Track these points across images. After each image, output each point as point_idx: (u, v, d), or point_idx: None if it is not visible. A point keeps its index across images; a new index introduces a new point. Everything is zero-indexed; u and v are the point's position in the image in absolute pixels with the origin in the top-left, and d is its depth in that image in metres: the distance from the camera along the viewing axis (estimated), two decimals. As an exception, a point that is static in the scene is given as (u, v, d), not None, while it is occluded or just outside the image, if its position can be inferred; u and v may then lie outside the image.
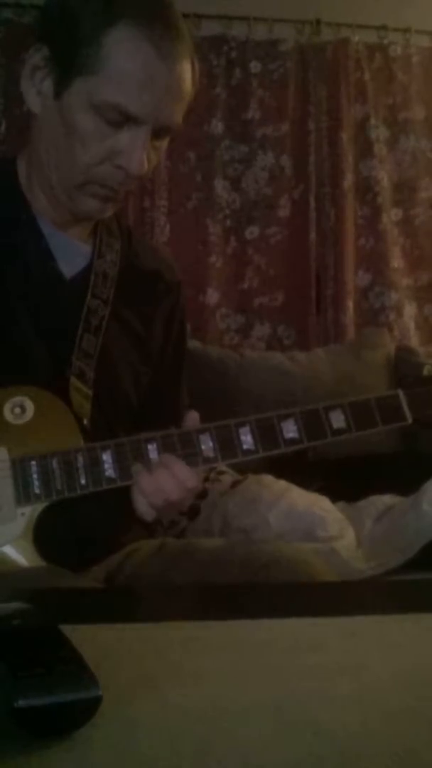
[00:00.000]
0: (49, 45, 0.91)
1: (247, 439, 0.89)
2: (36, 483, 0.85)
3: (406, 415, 0.89)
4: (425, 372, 0.93)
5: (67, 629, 0.54)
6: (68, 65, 0.89)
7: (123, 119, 0.88)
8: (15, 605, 0.58)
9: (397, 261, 2.85)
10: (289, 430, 0.89)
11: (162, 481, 0.86)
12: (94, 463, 0.86)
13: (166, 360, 1.11)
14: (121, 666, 0.58)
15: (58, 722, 0.48)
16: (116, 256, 1.05)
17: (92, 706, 0.49)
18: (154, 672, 0.58)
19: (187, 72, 0.91)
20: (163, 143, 0.95)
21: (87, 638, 0.54)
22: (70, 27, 0.88)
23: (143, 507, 0.88)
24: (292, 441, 0.89)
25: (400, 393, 0.90)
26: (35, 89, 0.93)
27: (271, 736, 0.50)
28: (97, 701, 0.49)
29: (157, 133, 0.92)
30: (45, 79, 0.92)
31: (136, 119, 0.88)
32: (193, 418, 0.91)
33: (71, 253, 1.01)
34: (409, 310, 2.89)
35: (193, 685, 0.56)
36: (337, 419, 0.89)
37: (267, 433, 0.89)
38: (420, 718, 0.52)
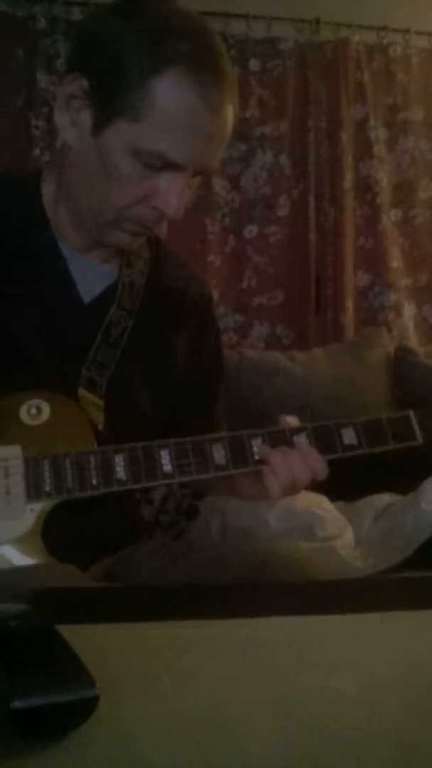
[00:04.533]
0: (88, 77, 0.87)
1: (263, 450, 0.90)
2: (47, 480, 0.86)
3: (417, 435, 0.91)
4: None
5: (64, 629, 0.54)
6: (110, 104, 0.86)
7: (164, 165, 0.87)
8: (12, 606, 0.58)
9: (396, 261, 2.85)
10: (301, 443, 0.90)
11: (293, 464, 0.89)
12: (106, 465, 0.87)
13: (195, 376, 1.10)
14: (119, 666, 0.57)
15: (55, 722, 0.47)
16: (144, 267, 1.04)
17: (89, 706, 0.48)
18: (153, 672, 0.57)
19: (230, 117, 0.89)
20: (198, 180, 0.94)
21: (85, 638, 0.53)
22: (114, 65, 0.85)
23: (274, 486, 0.90)
24: None
25: (411, 414, 0.92)
26: (70, 119, 0.90)
27: (271, 735, 0.49)
28: (94, 701, 0.48)
29: (195, 174, 0.91)
30: (82, 110, 0.89)
31: (178, 166, 0.87)
32: (286, 419, 0.93)
33: (92, 275, 1.00)
34: (409, 310, 2.89)
35: (191, 684, 0.56)
36: (349, 436, 0.91)
37: (279, 446, 0.91)
38: (421, 716, 0.52)
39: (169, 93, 0.84)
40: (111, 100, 0.86)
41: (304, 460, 0.90)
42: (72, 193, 0.95)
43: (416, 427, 0.92)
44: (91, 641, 0.55)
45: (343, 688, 0.56)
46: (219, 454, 0.89)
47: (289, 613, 0.70)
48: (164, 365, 1.06)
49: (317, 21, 2.74)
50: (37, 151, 2.48)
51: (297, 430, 0.92)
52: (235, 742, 0.49)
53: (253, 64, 2.71)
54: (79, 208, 0.95)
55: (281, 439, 0.91)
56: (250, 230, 2.77)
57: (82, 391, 0.95)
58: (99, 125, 0.87)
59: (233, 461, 0.89)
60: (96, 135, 0.88)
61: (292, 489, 0.92)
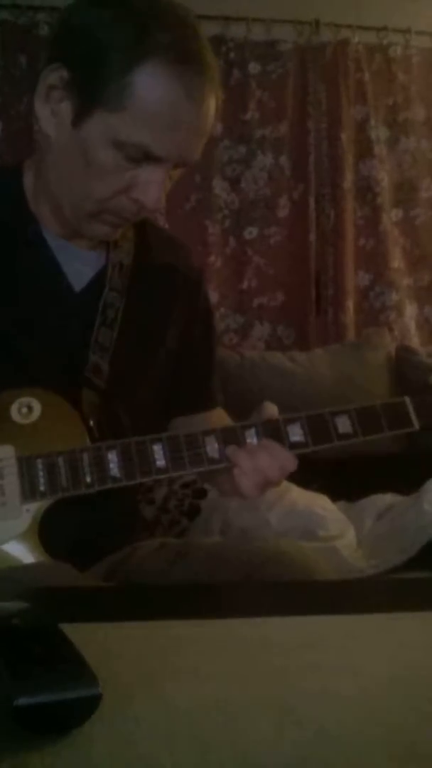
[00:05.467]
0: (69, 68, 0.86)
1: (253, 442, 0.90)
2: (42, 480, 0.86)
3: (413, 421, 0.90)
4: (431, 381, 0.94)
5: (67, 628, 0.54)
6: (91, 95, 0.85)
7: (144, 157, 0.86)
8: (15, 604, 0.58)
9: (397, 261, 2.85)
10: (295, 433, 0.90)
11: (262, 463, 0.88)
12: (100, 462, 0.86)
13: (191, 351, 1.10)
14: (121, 664, 0.57)
15: (58, 720, 0.47)
16: (131, 246, 1.04)
17: (92, 704, 0.48)
18: (154, 671, 0.57)
19: (212, 108, 0.88)
20: (180, 172, 0.93)
21: (87, 637, 0.54)
22: (95, 56, 0.84)
23: (247, 486, 0.90)
24: (298, 444, 0.90)
25: (407, 400, 0.91)
26: (50, 110, 0.89)
27: (271, 735, 0.49)
28: (96, 699, 0.49)
29: (175, 166, 0.90)
30: (62, 101, 0.87)
31: (159, 158, 0.86)
32: (269, 408, 0.92)
33: (80, 263, 1.00)
34: (410, 310, 2.89)
35: (193, 684, 0.56)
36: (343, 424, 0.90)
37: (273, 437, 0.90)
38: (421, 718, 0.52)
39: (150, 84, 0.83)
40: (92, 90, 0.84)
41: (270, 456, 0.89)
42: (52, 185, 0.94)
43: (413, 413, 0.90)
44: (93, 640, 0.55)
45: (343, 690, 0.56)
46: (212, 446, 0.89)
47: (290, 614, 0.70)
48: (158, 341, 1.06)
49: (317, 22, 2.75)
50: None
51: (290, 420, 0.91)
52: (235, 741, 0.49)
53: (253, 67, 2.72)
54: (59, 200, 0.94)
55: (275, 430, 0.90)
56: (251, 231, 2.77)
57: (89, 375, 0.95)
58: (79, 116, 0.86)
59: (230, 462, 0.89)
60: (76, 126, 0.87)
61: (265, 485, 0.91)
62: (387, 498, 2.03)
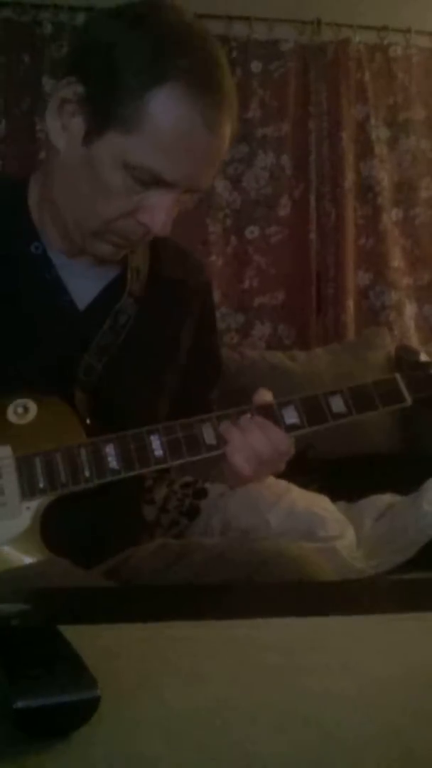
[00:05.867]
0: (83, 83, 0.84)
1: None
2: (40, 477, 0.86)
3: (405, 396, 0.91)
4: (422, 358, 0.95)
5: (66, 629, 0.54)
6: (104, 114, 0.82)
7: (154, 181, 0.84)
8: (14, 606, 0.58)
9: (397, 261, 2.85)
10: (290, 416, 0.90)
11: (253, 439, 0.87)
12: (98, 456, 0.87)
13: (196, 361, 1.10)
14: (121, 666, 0.57)
15: (57, 723, 0.47)
16: (146, 251, 1.03)
17: (91, 706, 0.48)
18: (154, 672, 0.57)
19: (227, 138, 0.86)
20: (188, 197, 0.91)
21: (86, 638, 0.54)
22: (111, 74, 0.81)
23: (239, 461, 0.88)
24: (293, 426, 0.90)
25: (398, 376, 0.92)
26: (61, 123, 0.86)
27: (271, 736, 0.49)
28: (95, 701, 0.49)
29: (185, 191, 0.88)
30: (74, 116, 0.85)
31: (169, 184, 0.84)
32: (265, 394, 0.91)
33: (86, 279, 0.98)
34: (410, 309, 2.89)
35: (192, 685, 0.56)
36: (337, 404, 0.90)
37: (268, 420, 0.90)
38: (421, 718, 0.52)
39: (165, 108, 0.80)
40: (105, 109, 0.82)
41: (261, 432, 0.87)
42: (57, 201, 0.92)
43: (404, 389, 0.91)
44: (92, 642, 0.55)
45: (343, 690, 0.56)
46: (209, 433, 0.89)
47: (290, 614, 0.70)
48: (166, 354, 1.05)
49: (318, 22, 2.75)
50: (43, 155, 2.48)
51: (285, 403, 0.91)
52: (235, 742, 0.49)
53: (255, 66, 2.71)
54: (64, 216, 0.92)
55: (270, 414, 0.90)
56: (252, 230, 2.77)
57: (79, 378, 0.95)
58: (91, 134, 0.84)
59: (223, 440, 0.88)
60: (87, 143, 0.85)
61: (259, 466, 0.89)
62: (386, 498, 2.03)
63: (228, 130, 0.85)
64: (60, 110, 0.86)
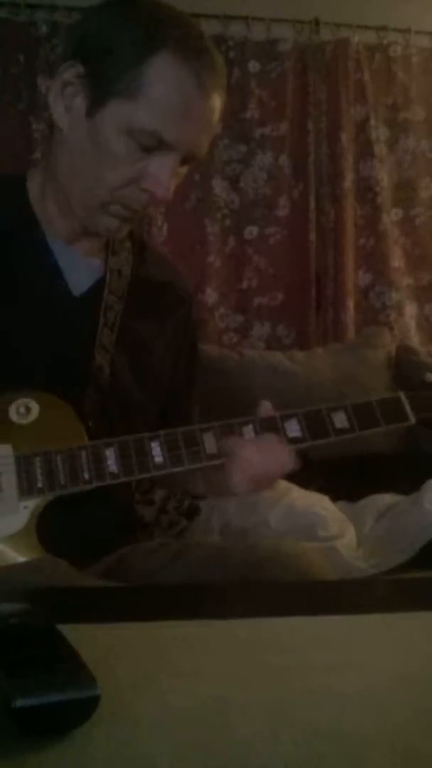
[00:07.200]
0: (84, 63, 0.90)
1: (251, 437, 0.90)
2: (40, 477, 0.86)
3: (409, 415, 0.91)
4: (427, 379, 0.95)
5: (65, 629, 0.54)
6: (105, 85, 0.88)
7: (156, 145, 0.89)
8: (13, 605, 0.58)
9: (397, 261, 2.85)
10: (293, 429, 0.90)
11: (253, 454, 0.89)
12: (98, 459, 0.87)
13: (179, 368, 1.13)
14: (120, 665, 0.57)
15: (56, 722, 0.47)
16: (129, 256, 1.06)
17: (90, 705, 0.48)
18: (154, 671, 0.57)
19: (219, 104, 0.92)
20: (185, 169, 0.96)
21: (86, 637, 0.54)
22: (109, 49, 0.88)
23: (237, 478, 0.89)
24: (296, 439, 0.90)
25: (402, 395, 0.92)
26: (64, 105, 0.92)
27: (271, 735, 0.49)
28: (95, 700, 0.48)
29: (184, 160, 0.93)
30: (76, 96, 0.91)
31: (170, 146, 0.89)
32: (266, 406, 0.93)
33: (81, 269, 1.01)
34: (410, 309, 2.89)
35: (192, 684, 0.56)
36: (340, 420, 0.91)
37: (271, 432, 0.90)
38: (421, 717, 0.52)
39: (162, 73, 0.86)
40: (106, 80, 0.88)
41: (263, 450, 0.89)
42: (63, 180, 0.96)
43: (408, 408, 0.92)
44: (91, 641, 0.55)
45: (344, 690, 0.56)
46: (210, 442, 0.89)
47: (291, 614, 0.70)
48: (152, 350, 1.07)
49: (317, 22, 2.74)
50: (38, 154, 2.48)
51: (288, 416, 0.91)
52: (235, 742, 0.49)
53: (253, 66, 2.71)
54: (69, 194, 0.96)
55: (272, 426, 0.90)
56: (251, 231, 2.77)
57: (93, 377, 0.97)
58: (94, 106, 0.90)
59: (225, 454, 0.89)
60: (90, 116, 0.90)
61: (262, 481, 0.91)
62: (387, 498, 2.02)
63: (219, 98, 0.91)
64: (62, 93, 0.92)
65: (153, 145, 0.89)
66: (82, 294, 1.01)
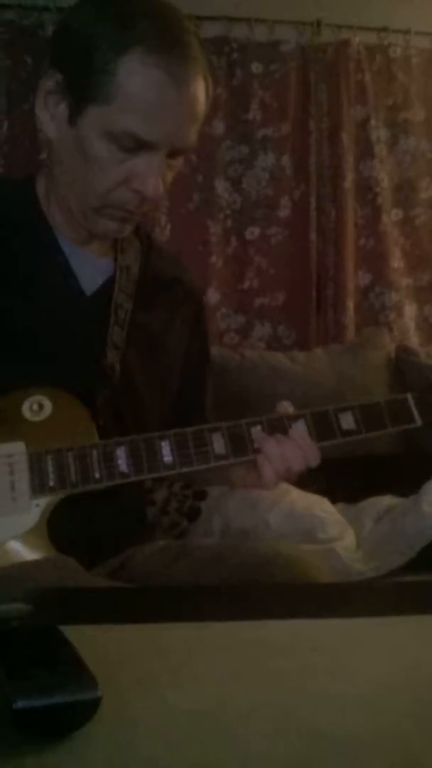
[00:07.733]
0: (62, 71, 0.90)
1: (258, 438, 0.91)
2: (51, 475, 0.86)
3: (415, 417, 0.92)
4: None
5: (66, 630, 0.54)
6: (82, 93, 0.88)
7: (138, 145, 0.88)
8: (14, 606, 0.58)
9: (397, 261, 2.85)
10: (296, 430, 0.90)
11: (289, 452, 0.90)
12: (108, 458, 0.88)
13: (191, 363, 1.13)
14: (121, 666, 0.57)
15: (58, 723, 0.47)
16: (137, 254, 1.07)
17: (92, 707, 0.48)
18: (154, 672, 0.57)
19: (201, 92, 0.90)
20: (178, 161, 0.96)
21: (87, 639, 0.54)
22: (82, 55, 0.87)
23: (268, 472, 0.91)
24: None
25: (409, 396, 0.92)
26: (49, 114, 0.93)
27: (271, 737, 0.49)
28: (96, 702, 0.48)
29: (172, 154, 0.92)
30: (59, 104, 0.91)
31: (151, 145, 0.89)
32: (284, 406, 0.94)
33: (92, 269, 1.02)
34: (410, 310, 2.89)
35: (193, 686, 0.56)
36: (347, 421, 0.91)
37: (276, 433, 0.91)
38: (420, 720, 0.52)
39: (133, 72, 0.85)
40: (82, 88, 0.88)
41: (298, 446, 0.90)
42: (59, 188, 0.97)
43: (414, 410, 0.92)
44: (93, 642, 0.55)
45: (343, 692, 0.56)
46: (219, 443, 0.90)
47: (290, 616, 0.70)
48: (162, 346, 1.08)
49: (318, 23, 2.75)
50: (45, 155, 2.49)
51: (295, 417, 0.92)
52: (235, 744, 0.49)
53: (255, 67, 2.72)
54: (67, 200, 0.97)
55: (280, 426, 0.91)
56: (252, 231, 2.77)
57: (106, 375, 0.98)
58: (74, 114, 0.90)
59: (233, 450, 0.90)
60: (72, 124, 0.90)
61: (286, 476, 0.93)
62: (386, 500, 2.02)
63: (200, 86, 0.89)
64: (46, 103, 0.92)
65: (133, 146, 0.88)
66: (94, 293, 1.02)
